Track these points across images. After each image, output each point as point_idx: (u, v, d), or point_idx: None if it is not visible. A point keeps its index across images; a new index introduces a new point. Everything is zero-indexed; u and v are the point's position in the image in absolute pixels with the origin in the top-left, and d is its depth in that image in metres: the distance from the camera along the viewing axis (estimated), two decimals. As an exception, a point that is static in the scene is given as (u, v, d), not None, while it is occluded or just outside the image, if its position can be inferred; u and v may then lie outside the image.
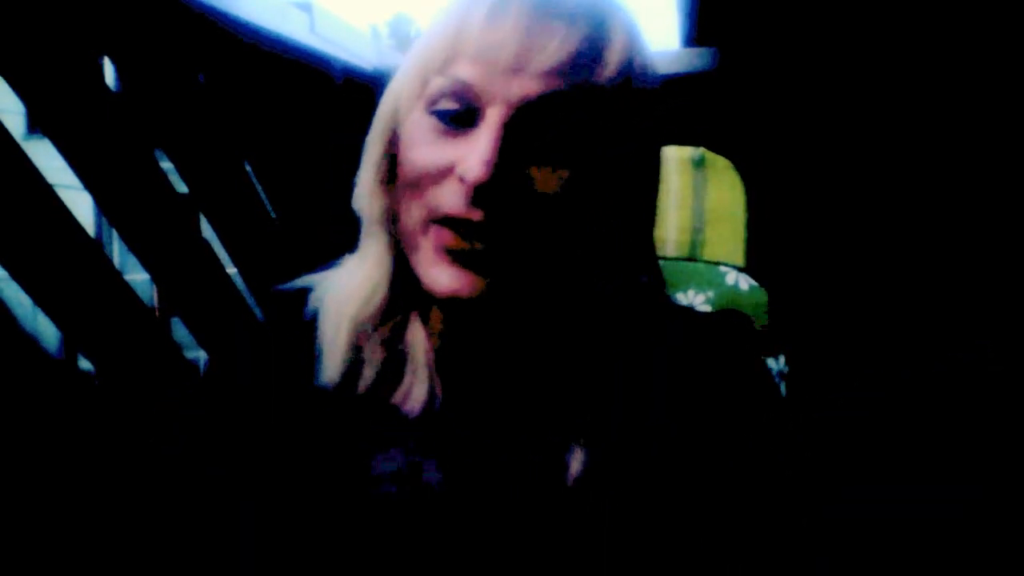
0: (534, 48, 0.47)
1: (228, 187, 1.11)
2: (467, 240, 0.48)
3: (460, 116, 0.49)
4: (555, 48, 0.47)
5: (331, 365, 0.56)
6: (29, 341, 0.77)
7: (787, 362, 0.85)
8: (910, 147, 1.32)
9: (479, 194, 0.47)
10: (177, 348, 0.97)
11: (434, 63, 0.50)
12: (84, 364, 0.93)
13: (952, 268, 1.30)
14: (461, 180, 0.47)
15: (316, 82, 1.31)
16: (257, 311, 1.14)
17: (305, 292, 0.62)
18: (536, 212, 0.48)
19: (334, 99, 1.36)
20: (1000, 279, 1.28)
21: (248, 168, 1.16)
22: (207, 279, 1.04)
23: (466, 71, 0.48)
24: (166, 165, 0.96)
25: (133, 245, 0.92)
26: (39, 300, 0.79)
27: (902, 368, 1.31)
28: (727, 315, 0.84)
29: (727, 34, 1.45)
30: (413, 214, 0.51)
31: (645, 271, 0.60)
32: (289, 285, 0.64)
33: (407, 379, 0.56)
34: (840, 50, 1.33)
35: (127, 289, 0.88)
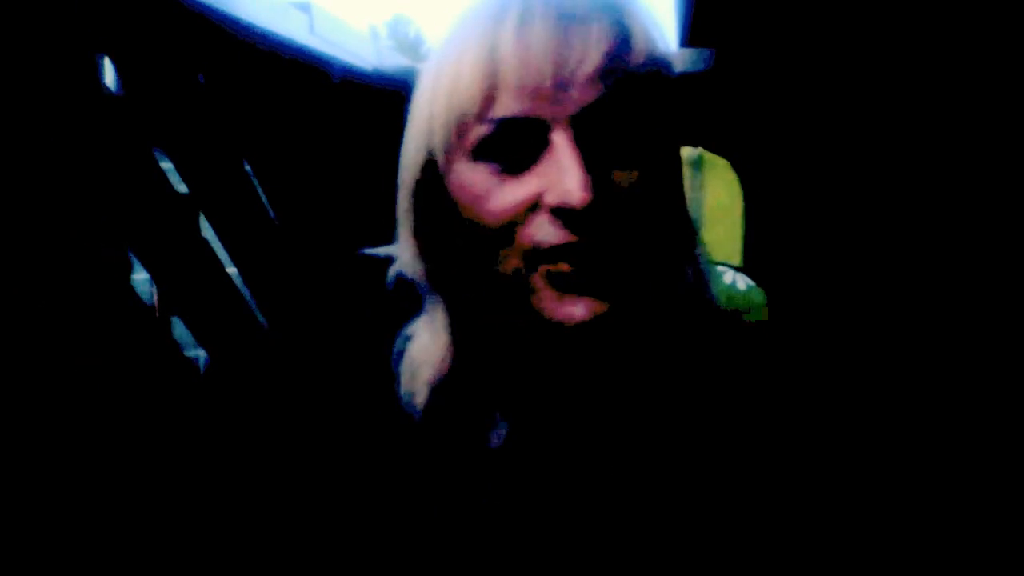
0: (573, 60, 0.46)
1: (228, 187, 1.11)
2: (576, 266, 0.47)
3: (522, 152, 0.47)
4: (593, 53, 0.46)
5: (413, 404, 0.56)
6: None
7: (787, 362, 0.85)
8: (908, 146, 1.32)
9: (573, 217, 0.46)
10: (177, 347, 0.97)
11: (470, 108, 0.47)
12: (84, 364, 0.93)
13: (952, 268, 1.30)
14: (559, 207, 0.46)
15: (315, 82, 1.32)
16: (257, 311, 1.14)
17: (389, 261, 0.60)
18: (623, 219, 0.48)
19: (333, 99, 1.36)
20: (1000, 279, 1.28)
21: (248, 168, 1.17)
22: (207, 279, 1.05)
23: (514, 107, 0.46)
24: (166, 165, 0.97)
25: (133, 245, 0.92)
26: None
27: (902, 368, 1.31)
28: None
29: (724, 34, 1.45)
30: (506, 262, 0.49)
31: (692, 268, 0.59)
32: (374, 252, 0.62)
33: (487, 419, 0.55)
34: (837, 50, 1.34)
35: (127, 289, 0.88)
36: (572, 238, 0.46)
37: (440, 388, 0.56)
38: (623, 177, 0.47)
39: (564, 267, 0.47)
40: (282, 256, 1.22)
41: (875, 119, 1.33)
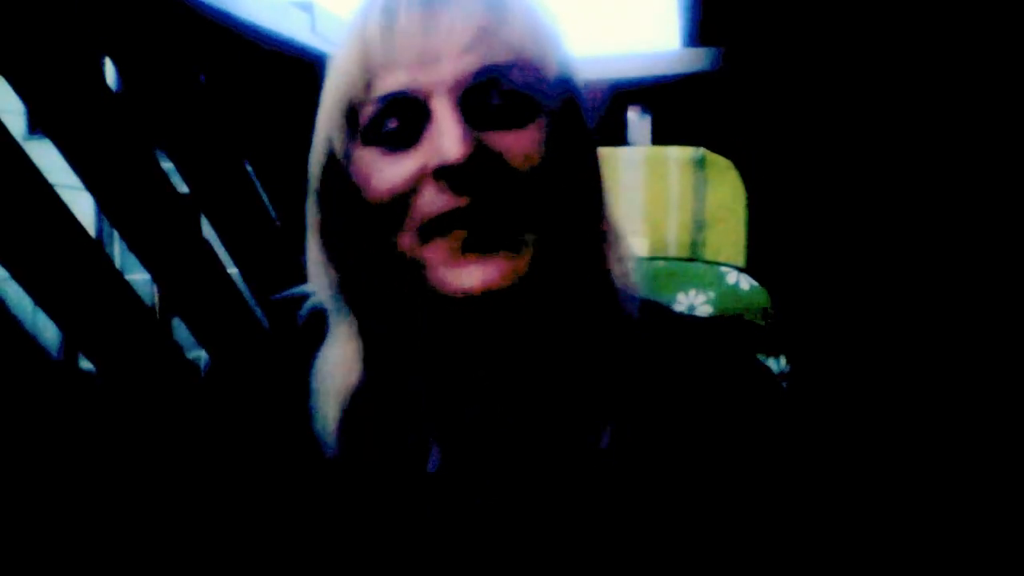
0: (441, 31, 0.47)
1: (228, 187, 1.11)
2: (468, 231, 0.48)
3: (405, 128, 0.48)
4: (460, 24, 0.47)
5: (327, 434, 0.54)
6: (29, 341, 0.76)
7: (788, 362, 0.85)
8: (911, 147, 1.32)
9: (458, 179, 0.46)
10: (177, 348, 0.97)
11: (356, 95, 0.49)
12: (84, 364, 0.93)
13: (952, 268, 1.30)
14: (438, 170, 0.47)
15: (317, 82, 1.31)
16: (258, 311, 1.14)
17: (302, 299, 0.60)
18: (513, 181, 0.48)
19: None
20: (1000, 279, 1.28)
21: (248, 168, 1.16)
22: (207, 279, 1.04)
23: (390, 84, 0.48)
24: (166, 165, 0.96)
25: (133, 245, 0.92)
26: (39, 300, 0.78)
27: (902, 368, 1.31)
28: (727, 321, 0.84)
29: (727, 34, 1.45)
30: (402, 241, 0.49)
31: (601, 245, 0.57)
32: (287, 293, 0.63)
33: (407, 433, 0.55)
34: (840, 50, 1.33)
35: (127, 289, 0.88)
36: (460, 202, 0.47)
37: (353, 408, 0.54)
38: (509, 140, 0.48)
39: (456, 234, 0.48)
40: (282, 256, 1.22)
41: (879, 119, 1.32)
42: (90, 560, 0.82)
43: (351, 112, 0.50)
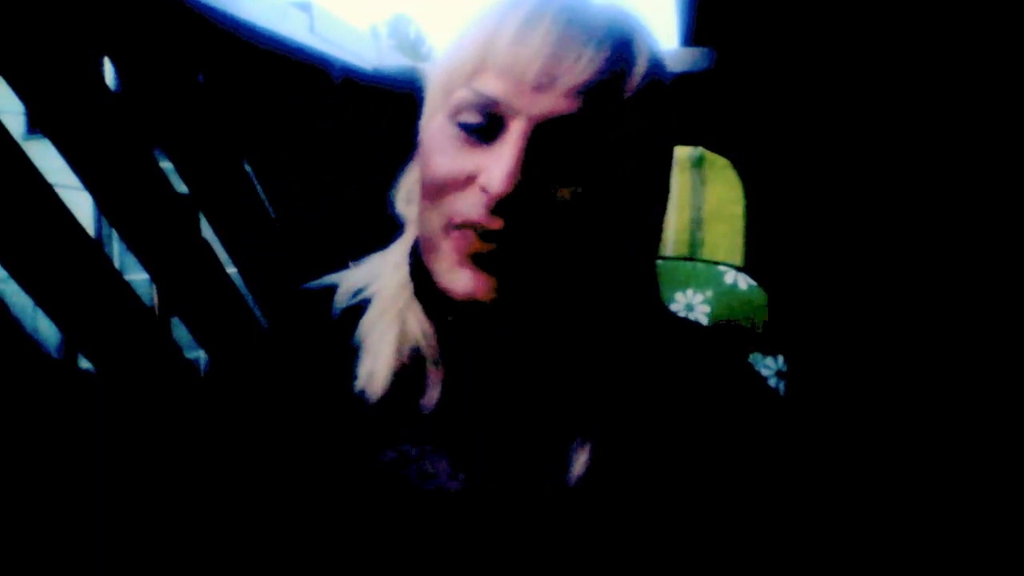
0: (561, 67, 0.48)
1: (228, 187, 1.11)
2: (486, 245, 0.49)
3: (483, 128, 0.50)
4: (581, 69, 0.48)
5: (382, 356, 0.57)
6: (29, 341, 0.77)
7: (786, 362, 0.85)
8: (909, 146, 1.32)
9: (500, 205, 0.48)
10: (177, 348, 0.97)
11: (460, 74, 0.50)
12: (84, 364, 0.93)
13: (952, 268, 1.30)
14: (483, 190, 0.48)
15: (315, 82, 1.31)
16: (257, 311, 1.14)
17: (331, 290, 0.62)
18: (552, 223, 0.49)
19: (333, 99, 1.36)
20: (1000, 279, 1.28)
21: (248, 168, 1.17)
22: (207, 279, 1.05)
23: (491, 85, 0.49)
24: (166, 165, 0.97)
25: (133, 245, 0.92)
26: (39, 300, 0.79)
27: (902, 368, 1.31)
28: (724, 328, 0.85)
29: (725, 34, 1.45)
30: (433, 218, 0.52)
31: (648, 283, 0.61)
32: (315, 283, 0.64)
33: (423, 376, 0.57)
34: (838, 49, 1.34)
35: (127, 289, 0.88)
36: (492, 223, 0.49)
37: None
38: (568, 188, 0.49)
39: (472, 242, 0.50)
40: (282, 256, 1.22)
41: (876, 118, 1.32)
42: (90, 559, 0.83)
43: (450, 85, 0.52)
